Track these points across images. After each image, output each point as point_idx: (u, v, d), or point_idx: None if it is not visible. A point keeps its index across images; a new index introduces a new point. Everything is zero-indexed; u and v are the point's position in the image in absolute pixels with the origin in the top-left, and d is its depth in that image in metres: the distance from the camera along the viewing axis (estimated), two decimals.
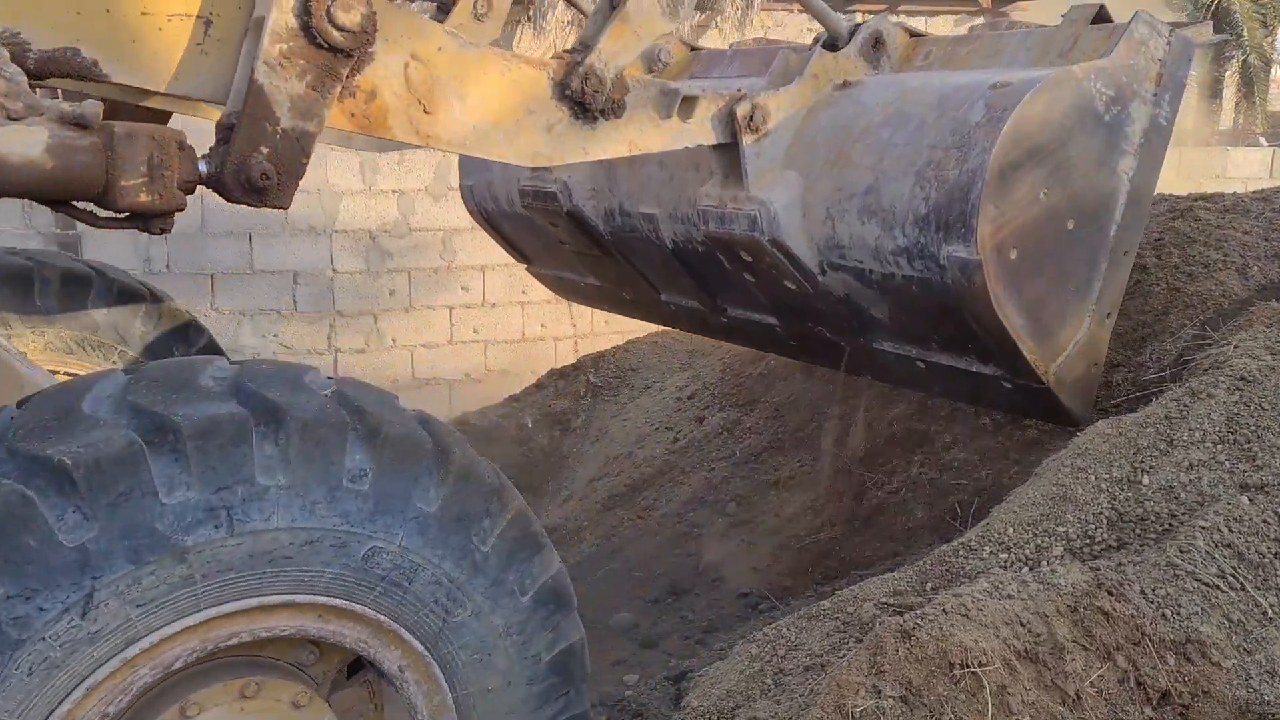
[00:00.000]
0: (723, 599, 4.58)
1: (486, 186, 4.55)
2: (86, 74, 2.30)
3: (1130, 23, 3.04)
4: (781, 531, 4.68)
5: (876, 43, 3.51)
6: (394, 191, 7.76)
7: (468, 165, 4.67)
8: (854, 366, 3.64)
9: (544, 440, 6.59)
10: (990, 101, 2.84)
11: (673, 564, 4.99)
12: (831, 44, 3.50)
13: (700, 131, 3.15)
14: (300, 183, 2.45)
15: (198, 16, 2.39)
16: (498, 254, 8.01)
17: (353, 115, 2.56)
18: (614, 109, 2.93)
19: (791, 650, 2.74)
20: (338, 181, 7.56)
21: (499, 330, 7.90)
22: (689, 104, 3.09)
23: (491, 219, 4.70)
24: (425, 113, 2.65)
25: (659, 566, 5.02)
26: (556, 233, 4.34)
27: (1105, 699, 2.27)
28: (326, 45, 2.37)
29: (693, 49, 4.32)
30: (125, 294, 4.09)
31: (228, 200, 2.41)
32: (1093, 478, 2.81)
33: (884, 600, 2.71)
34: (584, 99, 2.84)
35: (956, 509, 3.86)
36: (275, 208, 2.47)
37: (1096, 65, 2.95)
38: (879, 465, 4.51)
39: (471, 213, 4.83)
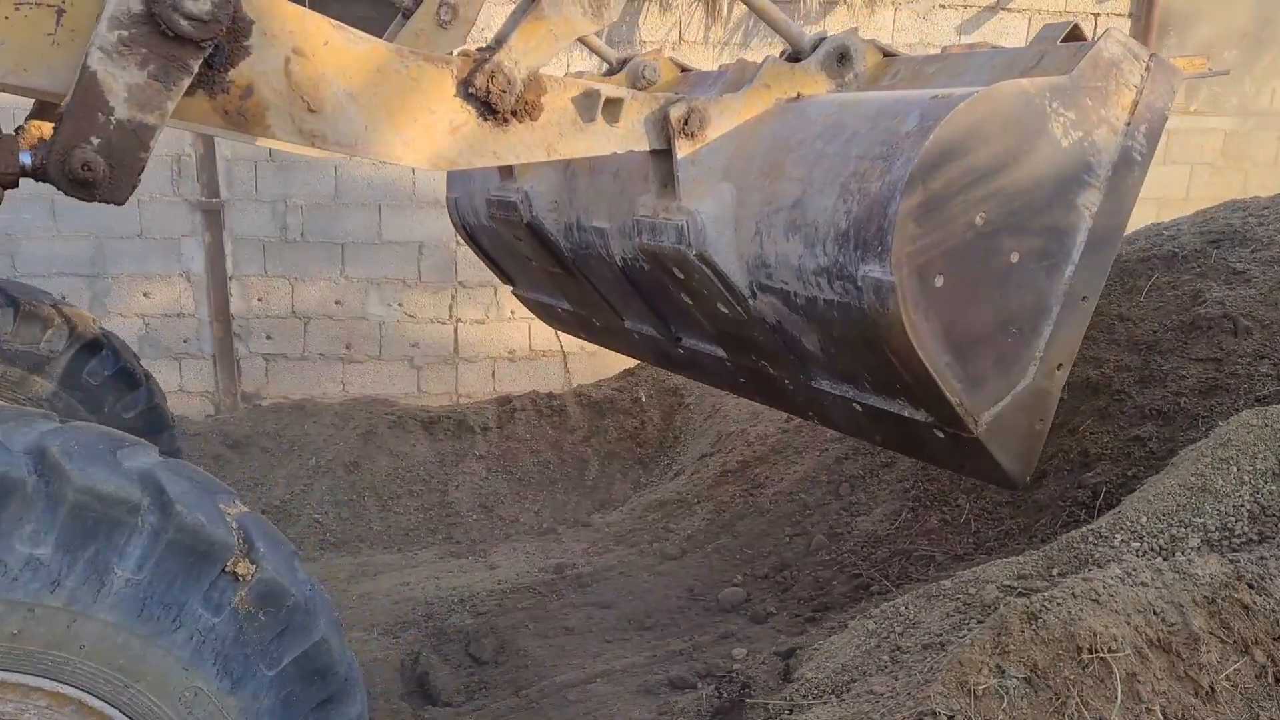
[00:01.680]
0: (833, 579, 4.56)
1: (469, 199, 4.33)
2: None
3: (1098, 40, 2.71)
4: (895, 517, 4.64)
5: (841, 57, 3.23)
6: None
7: (454, 178, 4.48)
8: (798, 408, 3.36)
9: (657, 415, 6.64)
10: (925, 110, 2.54)
11: (783, 542, 4.98)
12: (795, 56, 3.23)
13: (630, 136, 2.93)
14: (139, 177, 2.32)
15: (49, 5, 2.27)
16: None
17: (226, 113, 2.42)
18: (527, 110, 2.75)
19: (910, 628, 2.72)
20: None
21: None
22: (614, 106, 2.89)
23: (474, 234, 4.49)
24: (310, 111, 2.48)
25: (769, 544, 5.02)
26: (521, 247, 4.16)
27: (1241, 693, 2.20)
28: (173, 34, 2.21)
29: (683, 69, 4.01)
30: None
31: (64, 192, 2.31)
32: (1235, 469, 2.71)
33: (1007, 583, 2.67)
34: (489, 98, 2.66)
35: (1084, 498, 3.76)
36: (108, 202, 2.32)
37: (1053, 82, 2.61)
38: None
39: (456, 227, 4.62)
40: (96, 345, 4.13)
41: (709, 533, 5.22)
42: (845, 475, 5.08)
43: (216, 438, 5.97)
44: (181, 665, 1.95)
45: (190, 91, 2.34)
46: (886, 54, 3.39)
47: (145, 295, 7.24)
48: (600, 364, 7.50)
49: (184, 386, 7.47)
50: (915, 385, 2.65)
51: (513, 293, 4.75)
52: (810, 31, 3.27)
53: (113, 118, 2.25)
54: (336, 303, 7.51)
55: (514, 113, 2.71)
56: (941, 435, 2.76)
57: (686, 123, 2.94)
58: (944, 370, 2.57)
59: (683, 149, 2.96)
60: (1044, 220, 2.64)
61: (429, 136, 2.63)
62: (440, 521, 5.98)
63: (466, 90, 2.64)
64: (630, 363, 6.94)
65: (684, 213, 2.96)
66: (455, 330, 7.73)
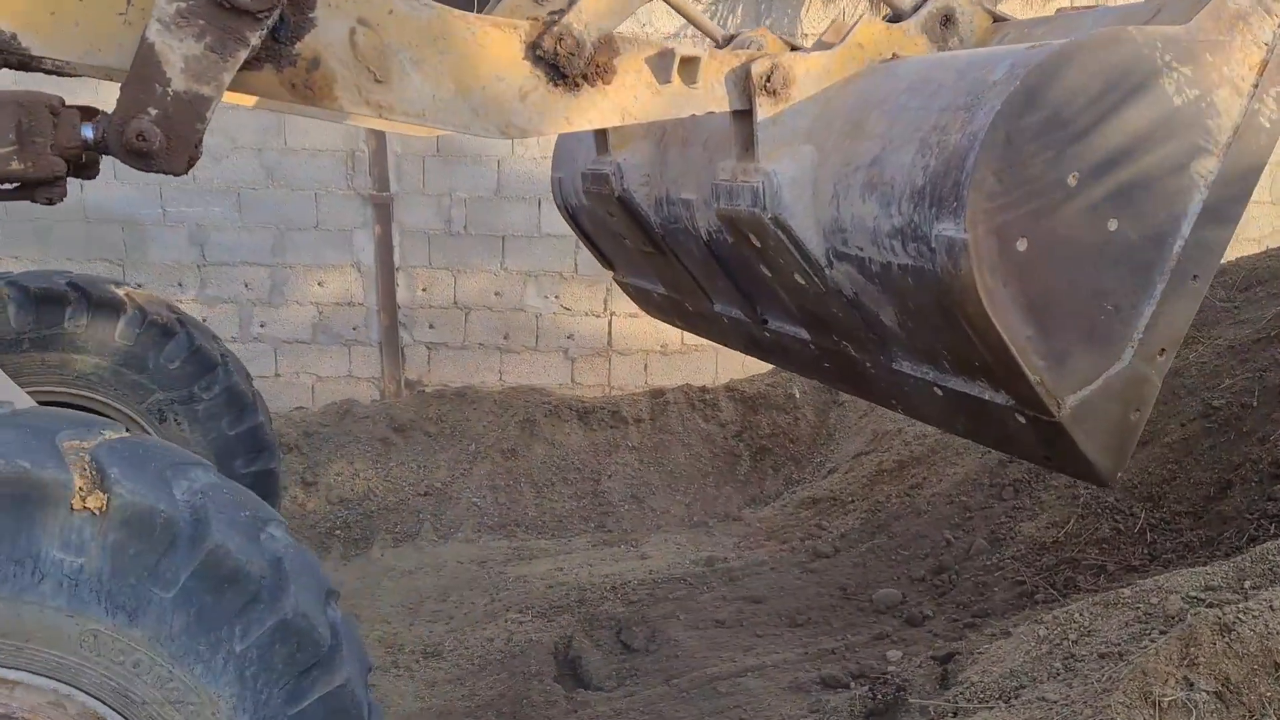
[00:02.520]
0: (995, 585, 4.41)
1: (571, 179, 4.22)
2: (4, 48, 2.23)
3: None
4: (1063, 524, 4.44)
5: (946, 19, 3.08)
6: None
7: (559, 157, 4.39)
8: (882, 394, 3.15)
9: (810, 411, 6.56)
10: (1016, 60, 2.33)
11: (941, 545, 4.85)
12: (895, 17, 3.07)
13: (709, 97, 2.78)
14: (198, 148, 2.31)
15: None
16: None
17: (294, 86, 2.38)
18: (599, 73, 2.61)
19: (1084, 636, 2.60)
20: None
21: None
22: (689, 65, 2.72)
23: (575, 215, 4.40)
24: (377, 82, 2.43)
25: (926, 546, 4.89)
26: (614, 224, 4.05)
27: None
28: (229, 5, 2.20)
29: (792, 47, 3.69)
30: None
31: (123, 162, 2.30)
32: None
33: (1194, 594, 2.52)
34: (558, 62, 2.54)
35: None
36: (164, 172, 2.32)
37: (1166, 32, 2.35)
38: (1189, 458, 4.18)
39: (559, 209, 4.54)
40: (170, 330, 4.11)
41: (863, 532, 5.12)
42: (1009, 479, 4.90)
43: (383, 421, 6.22)
44: (64, 614, 1.89)
45: (257, 65, 2.34)
46: (996, 17, 3.20)
47: (319, 284, 7.61)
48: (753, 360, 7.46)
49: (352, 372, 7.81)
50: (994, 362, 2.43)
51: (613, 279, 4.69)
52: None
53: (169, 89, 2.25)
54: (496, 294, 7.71)
55: (585, 76, 2.60)
56: (1023, 420, 2.52)
57: (769, 80, 2.78)
58: (1024, 345, 2.34)
59: (764, 108, 2.80)
60: (1150, 186, 2.39)
61: (498, 104, 2.55)
62: (593, 510, 6.07)
63: (535, 54, 2.54)
64: None
65: (760, 174, 2.81)
66: (609, 323, 7.82)
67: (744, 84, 2.78)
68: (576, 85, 2.59)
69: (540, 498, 6.07)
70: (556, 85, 2.58)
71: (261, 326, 7.47)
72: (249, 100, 2.62)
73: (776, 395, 6.59)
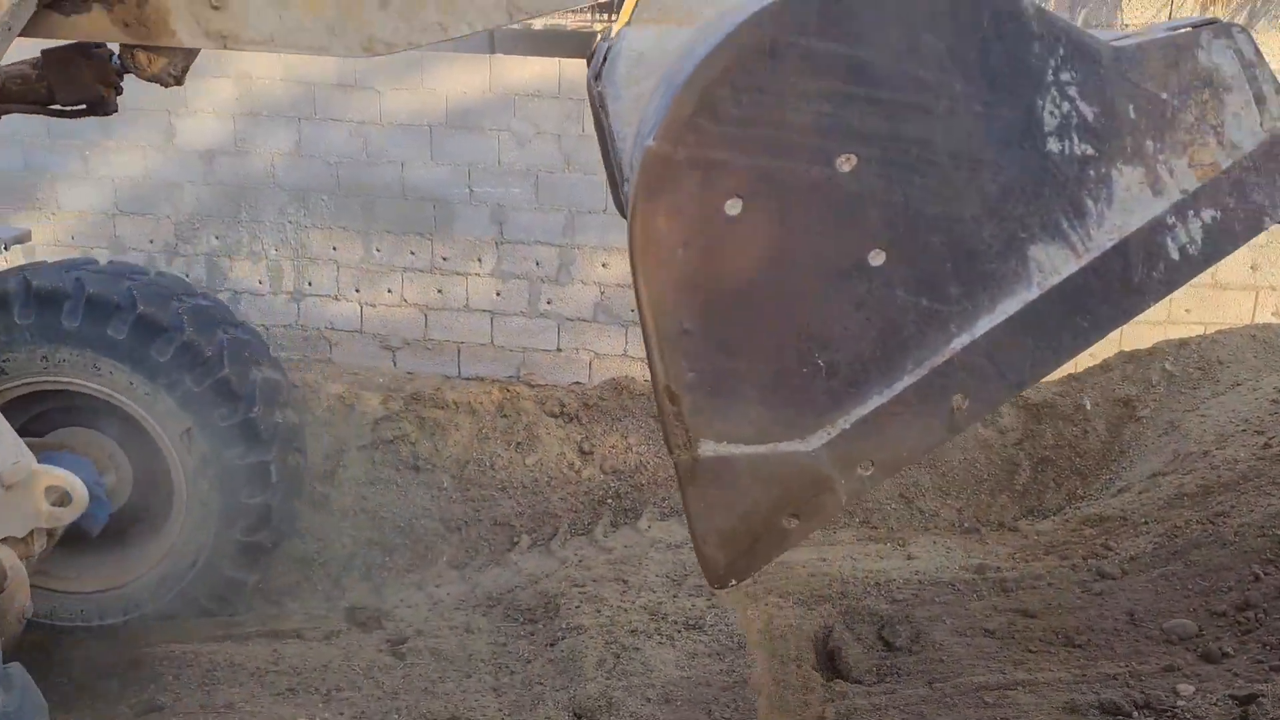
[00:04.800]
0: None
1: None
2: None
3: None
4: None
5: None
6: None
7: None
8: None
9: (1102, 425, 6.15)
10: None
11: (1248, 579, 4.41)
12: None
13: None
14: None
15: None
16: None
17: (126, 24, 2.18)
18: None
19: None
20: None
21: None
22: None
23: None
24: (214, 8, 2.16)
25: (1230, 579, 4.46)
26: None
27: None
28: None
29: None
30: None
31: None
32: None
33: None
34: None
35: None
36: None
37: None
38: None
39: None
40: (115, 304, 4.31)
41: (1156, 557, 4.75)
42: None
43: None
44: None
45: (85, 7, 2.19)
46: None
47: (603, 266, 7.93)
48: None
49: (628, 352, 8.08)
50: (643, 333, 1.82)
51: None
52: None
53: None
54: None
55: None
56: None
57: None
58: (674, 338, 1.75)
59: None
60: (952, 235, 1.76)
61: (356, 16, 2.21)
62: (858, 505, 5.98)
63: None
64: (1074, 367, 6.48)
65: (612, 39, 2.34)
66: None
67: None
68: None
69: None
70: None
71: (548, 303, 7.88)
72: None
73: (1064, 405, 6.22)
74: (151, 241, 8.26)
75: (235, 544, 4.59)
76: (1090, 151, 1.81)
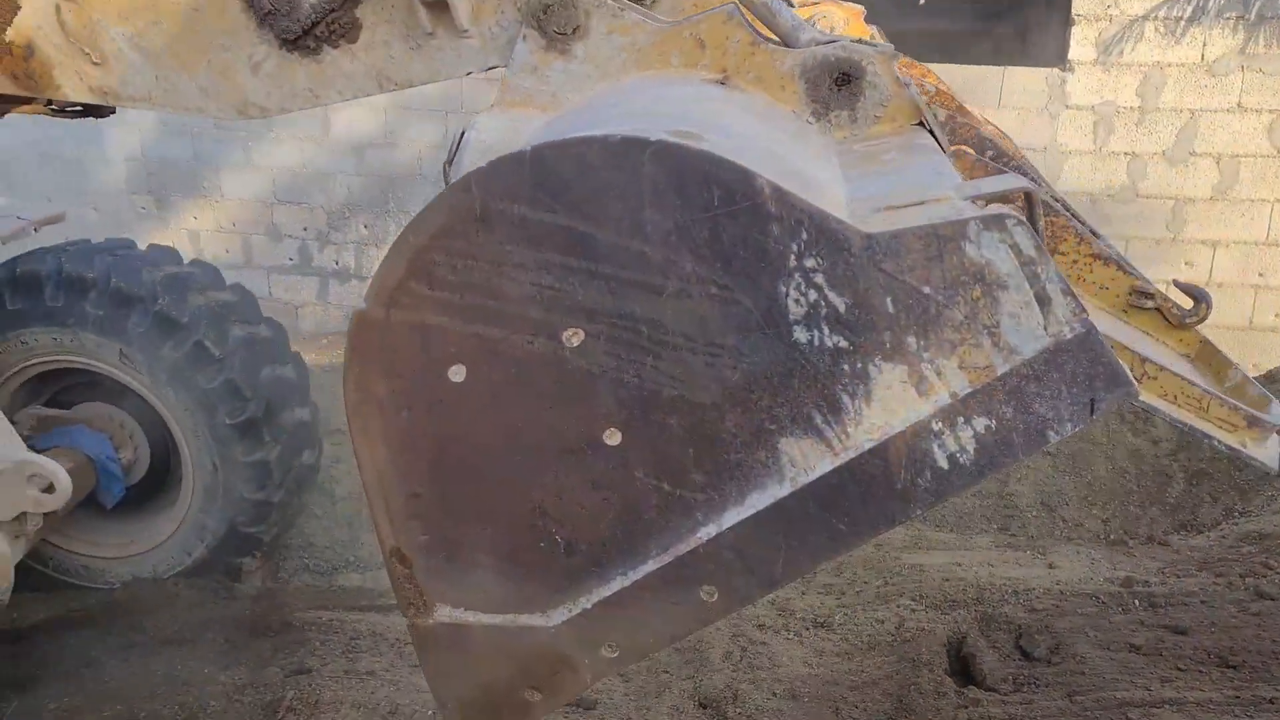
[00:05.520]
0: None
1: None
2: None
3: None
4: None
5: (843, 80, 2.05)
6: (1126, 154, 7.31)
7: None
8: None
9: None
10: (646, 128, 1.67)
11: None
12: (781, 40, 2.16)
13: (486, 47, 2.14)
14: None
15: None
16: (1233, 229, 7.18)
17: (15, 77, 2.17)
18: (339, 31, 2.10)
19: None
20: (1067, 140, 7.34)
21: (1222, 314, 7.08)
22: (438, 11, 2.09)
23: None
24: (94, 64, 2.14)
25: None
26: None
27: None
28: None
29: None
30: None
31: None
32: None
33: None
34: (279, 21, 2.08)
35: None
36: None
37: None
38: None
39: None
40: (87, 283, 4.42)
41: None
42: None
43: None
44: None
45: None
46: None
47: None
48: None
49: None
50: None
51: None
52: None
53: None
54: None
55: (319, 36, 2.12)
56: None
57: (546, 15, 2.01)
58: (404, 501, 1.70)
59: (531, 48, 2.04)
60: (691, 416, 1.63)
61: (229, 79, 2.18)
62: (996, 511, 5.81)
63: (257, 13, 2.11)
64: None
65: (467, 126, 2.21)
66: None
67: (527, 21, 2.07)
68: (314, 49, 2.14)
69: None
70: (291, 50, 2.14)
71: None
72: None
73: None
74: (305, 229, 8.64)
75: (236, 533, 4.72)
76: (844, 344, 1.61)
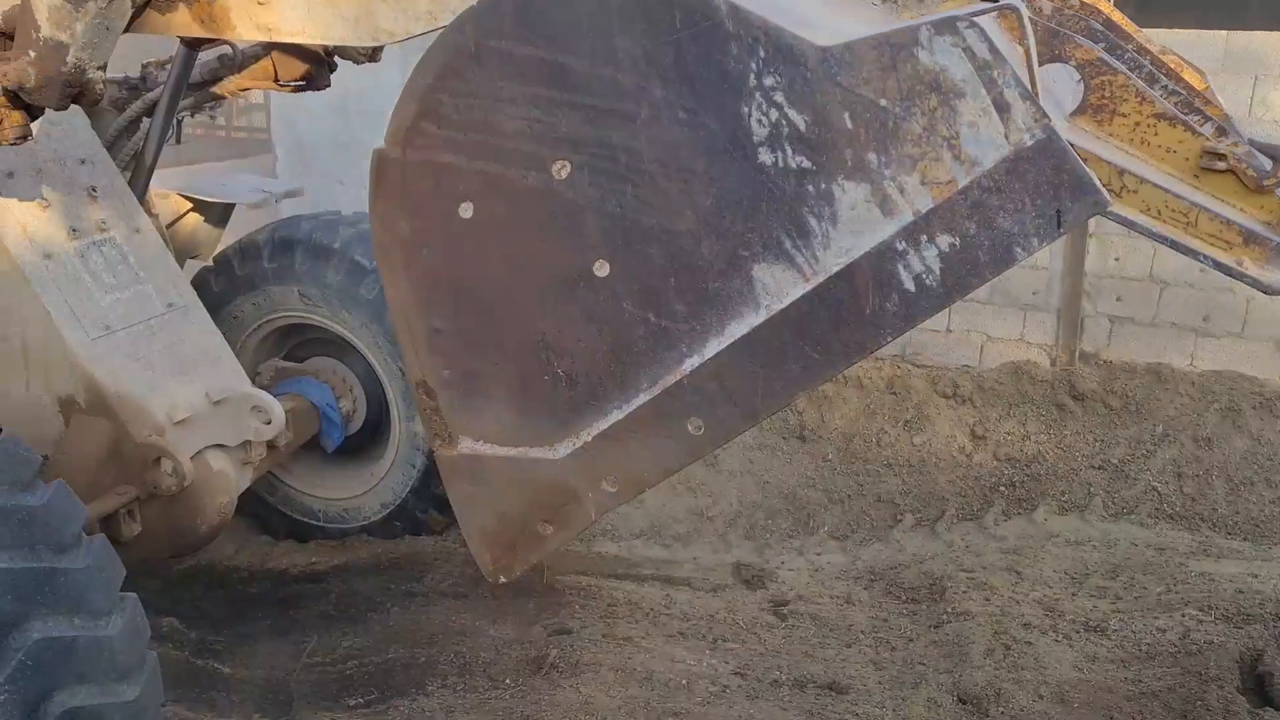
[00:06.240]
0: None
1: None
2: None
3: None
4: None
5: None
6: None
7: None
8: None
9: None
10: None
11: None
12: None
13: None
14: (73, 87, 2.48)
15: None
16: None
17: (202, 20, 2.48)
18: None
19: None
20: None
21: None
22: None
23: None
24: (259, 4, 2.42)
25: None
26: None
27: None
28: None
29: None
30: None
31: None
32: None
33: None
34: None
35: None
36: (40, 105, 2.56)
37: None
38: None
39: None
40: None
41: None
42: None
43: (1062, 387, 6.01)
44: None
45: (173, 6, 2.56)
46: None
47: None
48: None
49: (1024, 336, 7.64)
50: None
51: None
52: None
53: (39, 35, 2.49)
54: (1200, 271, 6.97)
55: None
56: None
57: None
58: (424, 334, 1.79)
59: None
60: (670, 248, 1.67)
61: (365, 8, 2.43)
62: None
63: None
64: None
65: None
66: None
67: None
68: None
69: (1235, 495, 5.41)
70: None
71: None
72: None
73: None
74: None
75: (428, 487, 4.91)
76: (806, 164, 1.62)
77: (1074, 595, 4.54)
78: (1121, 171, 2.08)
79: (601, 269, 1.77)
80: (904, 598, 4.72)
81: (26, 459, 2.37)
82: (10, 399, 3.66)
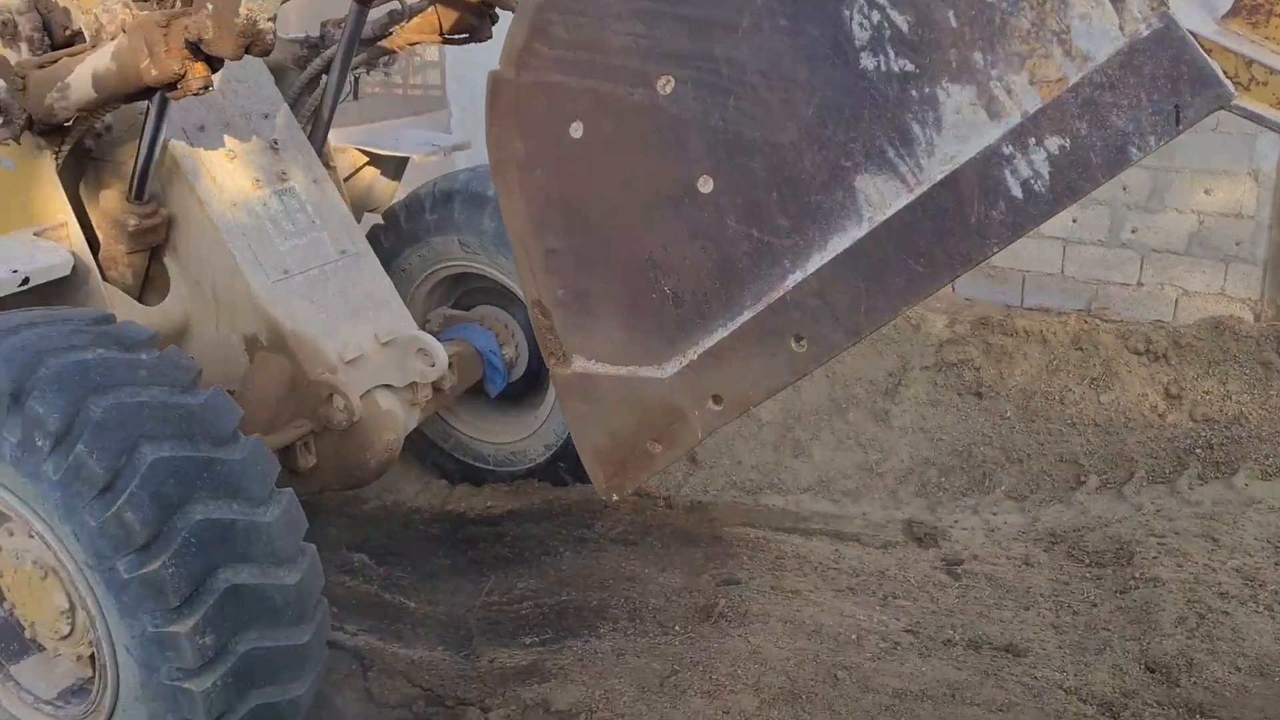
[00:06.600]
0: None
1: None
2: None
3: None
4: None
5: None
6: None
7: None
8: None
9: None
10: None
11: None
12: None
13: None
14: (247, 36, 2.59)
15: None
16: None
17: None
18: None
19: None
20: None
21: None
22: None
23: None
24: None
25: None
26: None
27: None
28: None
29: None
30: None
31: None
32: None
33: None
34: None
35: None
36: (218, 55, 2.66)
37: None
38: None
39: None
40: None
41: None
42: None
43: (1269, 344, 5.58)
44: None
45: None
46: None
47: (1206, 192, 7.03)
48: None
49: (1225, 290, 7.13)
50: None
51: None
52: None
53: None
54: None
55: None
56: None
57: None
58: (539, 255, 1.86)
59: None
60: (774, 158, 1.67)
61: None
62: None
63: None
64: None
65: None
66: None
67: None
68: None
69: None
70: None
71: (1132, 232, 7.21)
72: None
73: None
74: None
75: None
76: (910, 68, 1.58)
77: (1277, 565, 4.24)
78: (1250, 62, 1.91)
79: (706, 185, 1.77)
80: (1087, 561, 4.53)
81: (187, 366, 2.70)
82: (204, 339, 3.95)
